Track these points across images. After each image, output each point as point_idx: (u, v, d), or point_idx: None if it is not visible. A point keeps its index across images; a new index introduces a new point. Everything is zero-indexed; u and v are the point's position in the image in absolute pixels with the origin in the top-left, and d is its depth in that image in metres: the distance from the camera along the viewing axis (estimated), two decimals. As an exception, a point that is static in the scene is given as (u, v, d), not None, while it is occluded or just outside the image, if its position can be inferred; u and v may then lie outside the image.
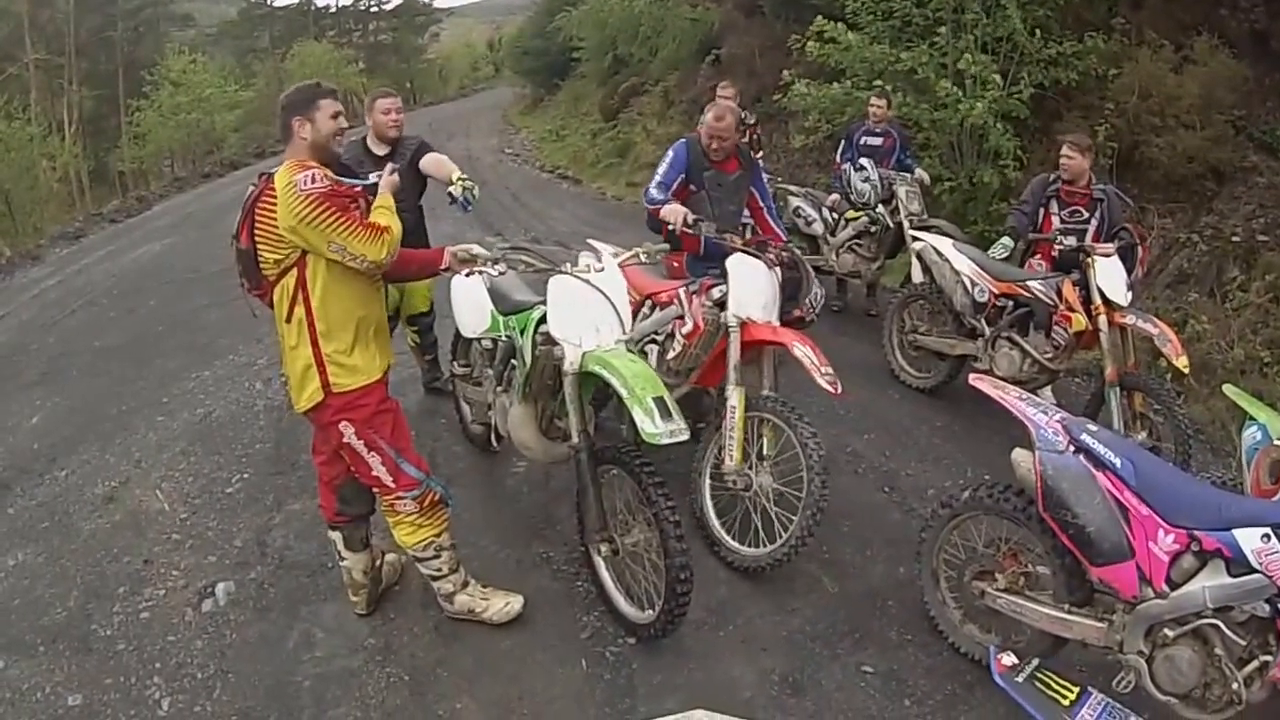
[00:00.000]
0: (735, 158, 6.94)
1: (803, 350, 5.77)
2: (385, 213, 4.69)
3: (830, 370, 5.75)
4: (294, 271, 4.56)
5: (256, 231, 4.53)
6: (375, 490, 5.00)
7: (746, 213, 7.24)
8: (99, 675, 5.16)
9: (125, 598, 5.83)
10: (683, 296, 6.08)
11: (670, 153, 6.89)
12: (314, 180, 4.36)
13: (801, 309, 6.53)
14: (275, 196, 4.43)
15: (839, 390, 5.74)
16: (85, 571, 6.16)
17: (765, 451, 5.86)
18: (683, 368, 6.17)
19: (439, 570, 5.17)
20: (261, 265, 4.60)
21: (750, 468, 5.84)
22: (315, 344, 4.64)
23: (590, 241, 6.39)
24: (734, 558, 5.80)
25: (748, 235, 7.11)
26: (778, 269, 6.27)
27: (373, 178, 5.09)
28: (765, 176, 7.61)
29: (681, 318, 6.04)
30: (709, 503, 6.04)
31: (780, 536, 5.60)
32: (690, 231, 6.41)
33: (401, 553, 5.38)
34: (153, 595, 5.83)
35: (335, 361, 4.67)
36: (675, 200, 6.64)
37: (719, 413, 5.96)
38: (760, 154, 10.49)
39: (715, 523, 6.00)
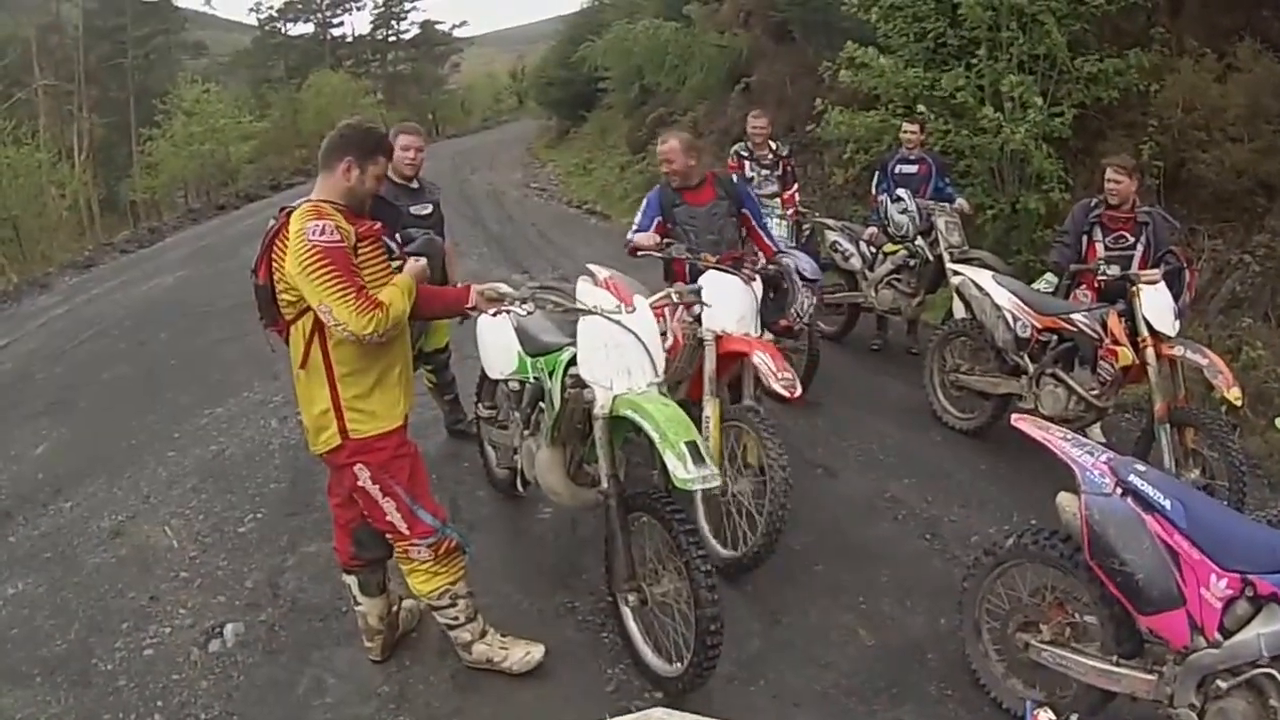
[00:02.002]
0: (710, 187, 7.17)
1: (761, 357, 6.14)
2: (397, 292, 4.50)
3: (789, 375, 6.09)
4: (312, 313, 4.39)
5: (274, 268, 4.40)
6: (389, 536, 4.83)
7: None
8: (97, 710, 5.08)
9: (128, 633, 5.74)
10: (667, 314, 6.33)
11: (645, 199, 7.26)
12: (323, 232, 4.22)
13: (788, 318, 7.00)
14: (283, 238, 4.34)
15: (796, 394, 6.12)
16: (88, 605, 6.09)
17: (748, 460, 6.07)
18: (669, 381, 6.16)
19: (455, 619, 5.01)
20: (279, 303, 4.47)
21: (726, 473, 5.98)
22: (333, 388, 4.51)
23: (589, 266, 6.83)
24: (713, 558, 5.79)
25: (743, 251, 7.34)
26: (757, 282, 6.76)
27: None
28: (746, 187, 8.03)
29: (664, 334, 6.10)
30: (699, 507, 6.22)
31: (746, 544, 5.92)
32: (661, 254, 6.82)
33: (418, 599, 5.18)
34: (157, 632, 5.73)
35: (354, 407, 4.53)
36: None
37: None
38: (796, 186, 10.43)
39: (703, 523, 6.16)
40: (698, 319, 6.33)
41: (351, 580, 5.12)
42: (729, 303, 6.35)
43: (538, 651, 5.12)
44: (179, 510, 7.30)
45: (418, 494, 4.74)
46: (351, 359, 4.47)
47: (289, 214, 4.37)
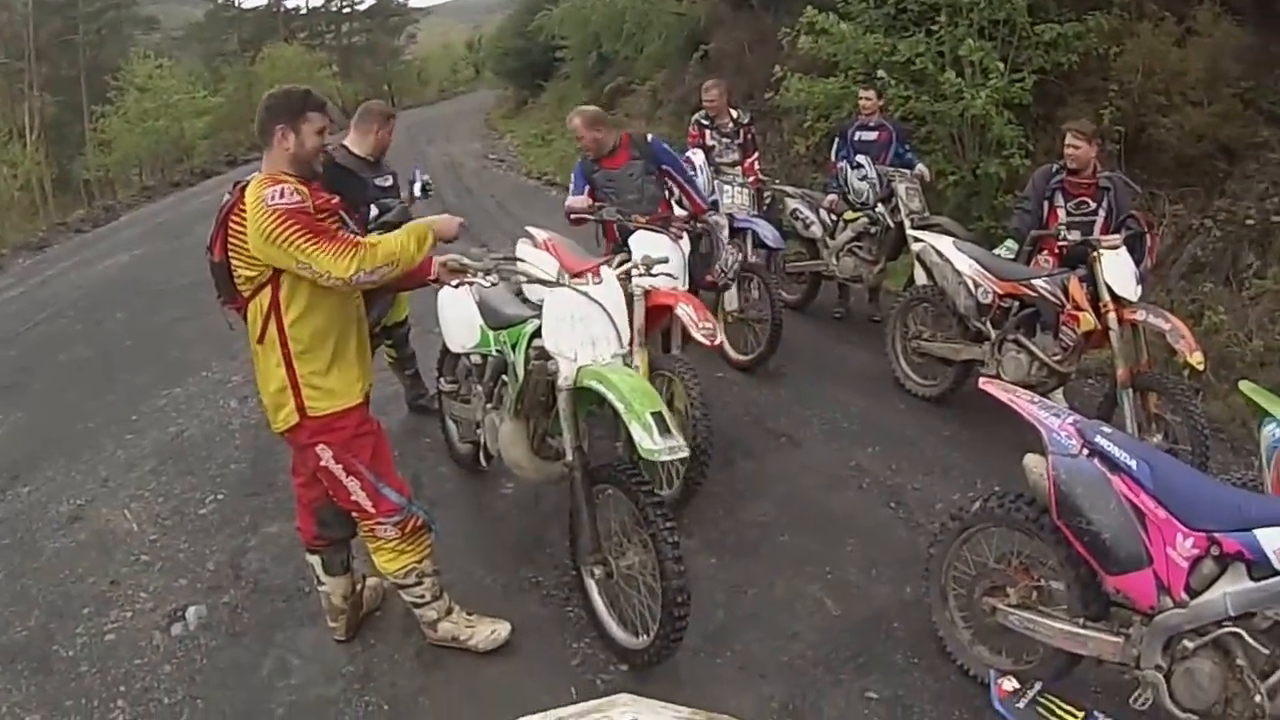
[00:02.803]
0: (625, 150, 7.59)
1: (684, 309, 6.65)
2: (394, 234, 4.47)
3: (709, 325, 6.62)
4: (268, 289, 4.35)
5: (230, 244, 4.31)
6: (355, 515, 4.80)
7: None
8: (60, 697, 5.01)
9: (90, 619, 5.67)
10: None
11: (573, 172, 7.82)
12: (283, 195, 4.14)
13: (713, 274, 7.98)
14: (239, 212, 4.26)
15: (715, 343, 6.74)
16: (48, 591, 6.02)
17: (675, 406, 6.33)
18: None
19: (421, 597, 4.97)
20: (235, 280, 4.39)
21: None
22: (290, 365, 4.45)
23: (528, 228, 7.26)
24: None
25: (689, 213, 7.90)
26: (684, 240, 7.46)
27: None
28: (665, 146, 7.93)
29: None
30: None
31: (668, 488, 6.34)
32: (594, 217, 7.36)
33: (383, 578, 5.16)
34: (119, 617, 5.67)
35: (311, 384, 4.48)
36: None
37: None
38: (756, 155, 10.36)
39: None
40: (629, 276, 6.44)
41: (315, 560, 5.07)
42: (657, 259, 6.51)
43: (504, 629, 5.10)
44: (138, 493, 7.22)
45: (382, 472, 4.70)
46: (307, 335, 4.42)
47: (243, 188, 4.30)
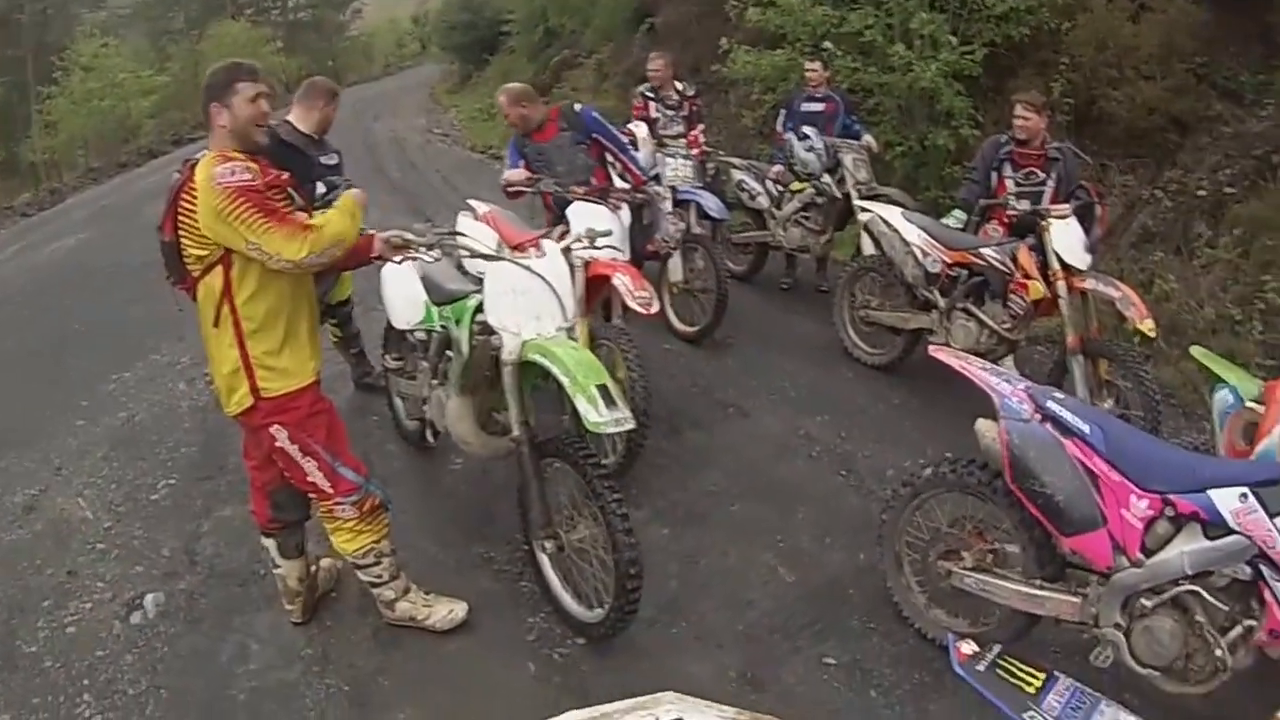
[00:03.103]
0: (554, 123, 7.60)
1: (621, 279, 6.63)
2: (334, 213, 4.44)
3: (645, 293, 6.59)
4: (219, 268, 4.30)
5: (180, 224, 4.28)
6: (312, 496, 4.80)
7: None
8: (26, 694, 4.95)
9: (50, 611, 5.61)
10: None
11: (508, 148, 7.82)
12: (234, 174, 4.10)
13: (654, 243, 8.09)
14: (189, 191, 4.21)
15: (652, 310, 6.64)
16: (7, 585, 5.94)
17: (616, 376, 6.16)
18: None
19: (379, 577, 4.96)
20: (185, 259, 4.35)
21: None
22: (242, 345, 4.41)
23: (469, 201, 7.21)
24: None
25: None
26: (624, 210, 7.43)
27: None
28: (595, 115, 7.90)
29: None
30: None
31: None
32: (531, 189, 7.34)
33: (338, 558, 5.18)
34: (78, 609, 5.61)
35: (264, 364, 4.45)
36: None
37: None
38: (701, 126, 10.37)
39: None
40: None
41: (270, 543, 5.04)
42: (596, 230, 6.56)
43: (461, 609, 5.09)
44: (91, 480, 7.16)
45: (338, 451, 4.68)
46: (259, 315, 4.38)
47: (192, 166, 4.26)
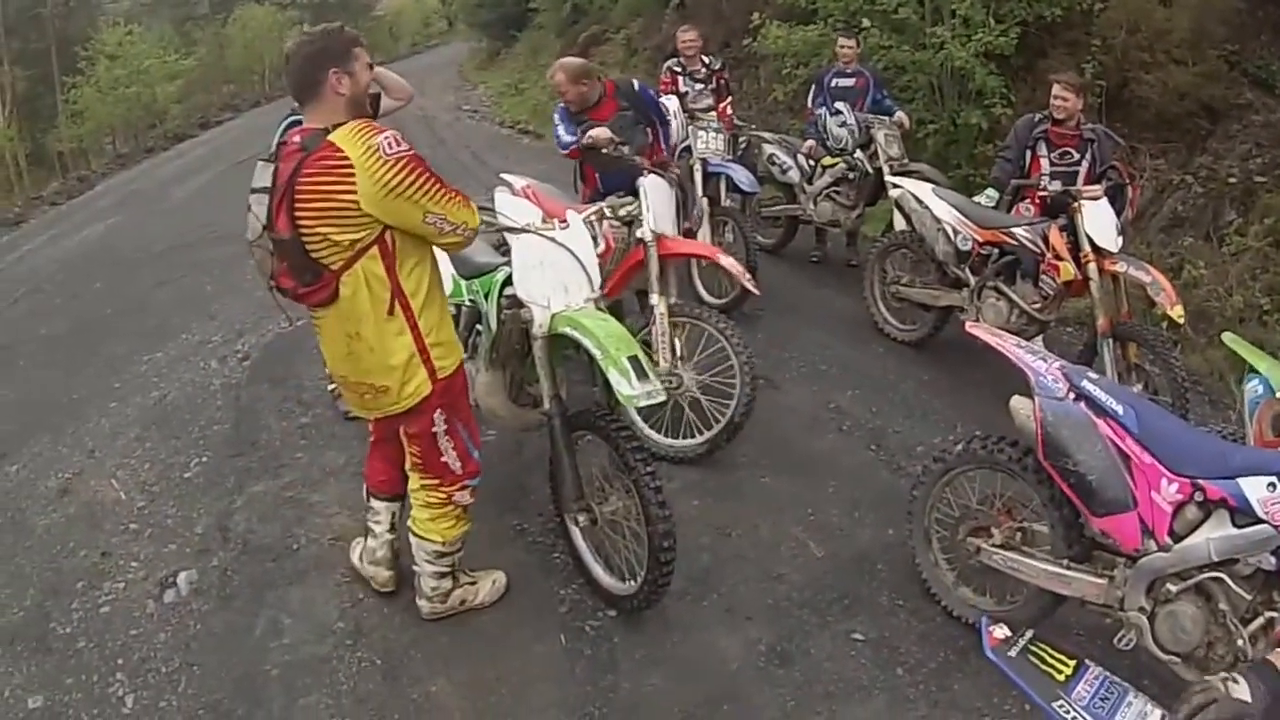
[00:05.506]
0: (612, 100, 7.40)
1: (727, 260, 6.80)
2: None
3: (749, 276, 6.82)
4: (373, 251, 3.96)
5: (308, 214, 3.87)
6: (436, 480, 4.58)
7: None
8: (60, 675, 4.95)
9: (84, 593, 5.59)
10: (594, 221, 6.17)
11: (555, 115, 7.56)
12: (396, 143, 3.81)
13: (690, 221, 7.82)
14: (325, 169, 3.80)
15: (757, 291, 7.01)
16: (41, 568, 5.93)
17: (682, 353, 6.39)
18: None
19: (450, 566, 4.85)
20: (320, 254, 3.95)
21: (675, 368, 6.34)
22: (415, 328, 4.14)
23: (504, 175, 6.89)
24: (669, 452, 6.35)
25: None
26: (677, 188, 7.06)
27: None
28: (651, 92, 7.86)
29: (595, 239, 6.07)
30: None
31: (716, 422, 6.25)
32: (612, 153, 6.98)
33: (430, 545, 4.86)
34: (112, 589, 5.60)
35: (436, 342, 4.23)
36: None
37: (646, 320, 6.51)
38: (730, 99, 10.40)
39: (640, 423, 6.46)
40: (625, 222, 6.50)
41: (396, 507, 5.02)
42: (664, 206, 6.58)
43: (501, 577, 5.10)
44: (124, 461, 7.16)
45: (473, 431, 4.59)
46: (422, 291, 4.15)
47: (306, 151, 3.86)
